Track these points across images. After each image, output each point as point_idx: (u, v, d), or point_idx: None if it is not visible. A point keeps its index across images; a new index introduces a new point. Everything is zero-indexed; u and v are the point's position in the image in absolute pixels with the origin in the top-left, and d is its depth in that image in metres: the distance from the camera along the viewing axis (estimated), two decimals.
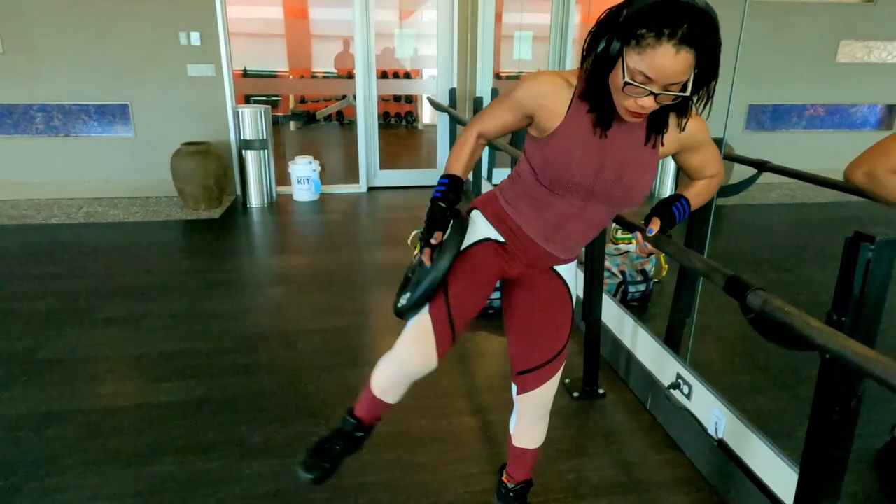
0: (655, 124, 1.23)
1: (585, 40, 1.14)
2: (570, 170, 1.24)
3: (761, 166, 2.16)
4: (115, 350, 2.65)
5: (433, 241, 1.34)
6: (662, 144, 1.27)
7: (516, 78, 7.00)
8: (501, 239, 1.41)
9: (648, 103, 1.10)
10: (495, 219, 1.42)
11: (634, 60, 1.06)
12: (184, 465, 1.93)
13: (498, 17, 5.59)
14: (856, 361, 0.84)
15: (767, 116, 6.08)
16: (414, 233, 3.43)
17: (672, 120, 1.24)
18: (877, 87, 6.28)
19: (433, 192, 1.38)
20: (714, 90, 1.12)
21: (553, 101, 1.23)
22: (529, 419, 1.57)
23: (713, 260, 1.32)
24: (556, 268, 1.47)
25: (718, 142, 2.04)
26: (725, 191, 2.66)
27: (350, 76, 9.03)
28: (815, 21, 5.73)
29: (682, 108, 1.19)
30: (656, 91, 1.07)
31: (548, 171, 1.27)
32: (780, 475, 1.60)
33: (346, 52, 9.31)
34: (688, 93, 1.09)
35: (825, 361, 1.10)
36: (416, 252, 1.48)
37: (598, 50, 1.11)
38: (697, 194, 1.41)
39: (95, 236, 4.21)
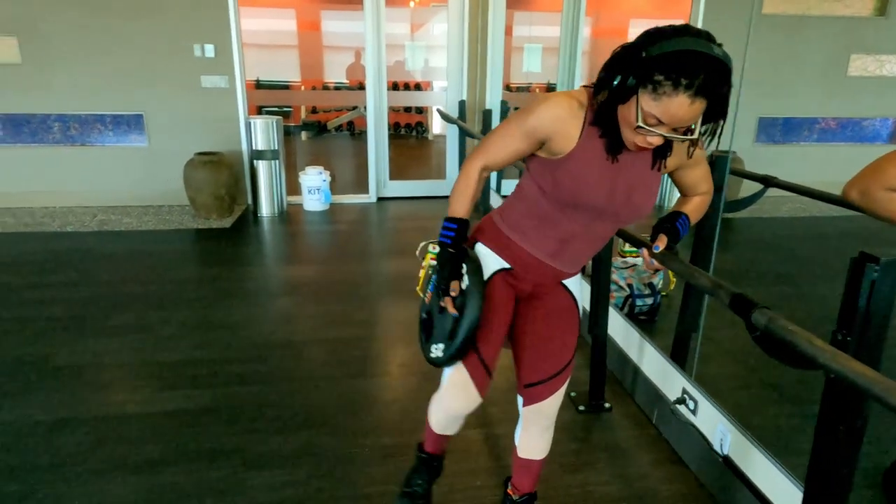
0: (660, 150, 1.26)
1: (601, 71, 1.16)
2: (584, 193, 1.27)
3: (767, 182, 2.17)
4: (126, 358, 2.68)
5: (452, 293, 1.36)
6: (666, 168, 1.30)
7: (526, 90, 7.04)
8: (508, 266, 1.44)
9: (656, 141, 1.14)
10: (498, 247, 1.45)
11: (648, 104, 1.08)
12: (190, 474, 1.95)
13: (508, 30, 5.63)
14: (856, 381, 0.84)
15: (778, 129, 6.07)
16: (422, 244, 3.44)
17: (678, 146, 1.27)
18: (888, 100, 6.25)
19: (440, 237, 1.39)
20: (723, 128, 1.14)
21: (568, 125, 1.24)
22: (535, 430, 1.58)
23: (720, 274, 1.34)
24: (564, 281, 1.49)
25: (724, 155, 2.05)
26: (733, 205, 2.66)
27: (361, 87, 9.12)
28: (826, 35, 5.73)
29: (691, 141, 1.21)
30: (666, 134, 1.11)
31: (560, 194, 1.29)
32: (784, 493, 1.59)
33: (358, 64, 9.41)
34: (695, 136, 1.12)
35: (830, 380, 1.10)
36: (424, 291, 1.52)
37: (613, 85, 1.13)
38: (694, 210, 1.45)
39: (108, 244, 4.27)
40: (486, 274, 1.43)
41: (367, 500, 1.85)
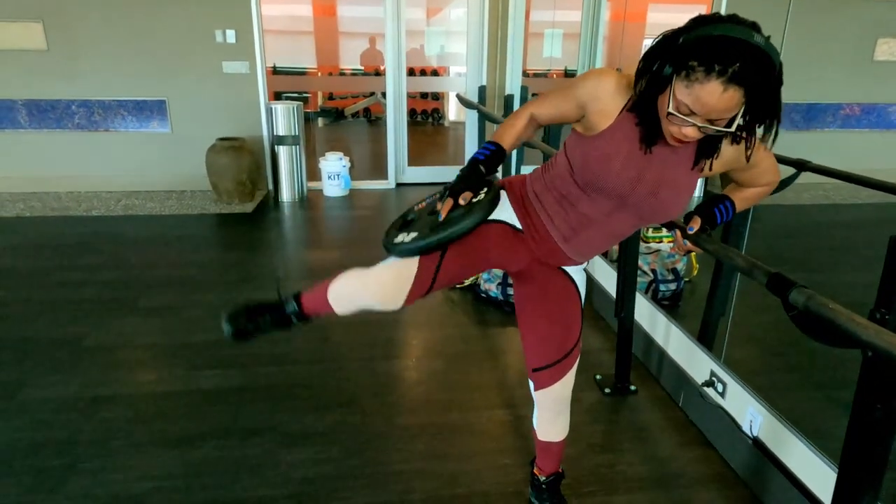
0: (706, 150, 1.21)
1: (641, 60, 1.14)
2: (608, 175, 1.24)
3: (801, 166, 2.15)
4: (158, 338, 2.74)
5: (461, 200, 1.32)
6: (711, 170, 1.25)
7: (544, 76, 6.99)
8: (519, 226, 1.40)
9: (691, 133, 1.10)
10: (519, 204, 1.41)
11: (681, 92, 1.05)
12: (227, 450, 2.00)
13: (526, 15, 5.59)
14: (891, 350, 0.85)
15: (801, 115, 5.99)
16: None
17: (732, 149, 1.22)
18: None
19: (475, 153, 1.37)
20: (776, 126, 1.10)
21: (609, 100, 1.22)
22: (549, 414, 1.60)
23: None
24: (565, 267, 1.48)
25: None
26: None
27: (378, 73, 9.08)
28: (852, 18, 5.62)
29: (736, 138, 1.14)
30: (699, 124, 1.07)
31: (585, 172, 1.27)
32: (817, 473, 1.61)
33: (373, 50, 9.38)
34: (732, 128, 1.07)
35: (867, 359, 1.11)
36: (424, 199, 1.47)
37: (652, 71, 1.11)
38: (745, 199, 1.39)
39: (134, 228, 4.33)
40: (493, 217, 1.37)
41: (398, 476, 1.89)
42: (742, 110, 1.06)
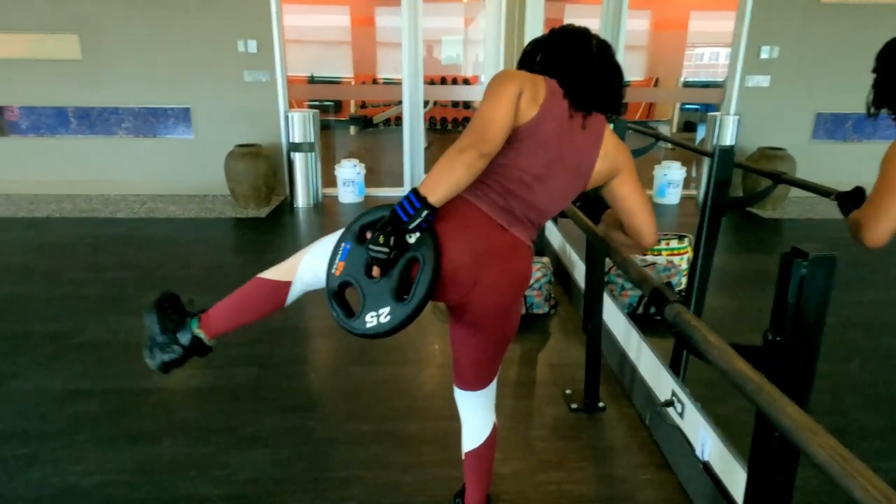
0: None
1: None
2: None
3: (777, 178, 2.04)
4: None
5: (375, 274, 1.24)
6: None
7: None
8: None
9: None
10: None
11: None
12: (181, 448, 2.04)
13: (548, 23, 5.54)
14: (731, 375, 0.78)
15: (837, 126, 5.69)
16: None
17: None
18: None
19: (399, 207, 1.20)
20: None
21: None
22: None
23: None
24: None
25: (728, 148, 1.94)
26: (742, 201, 2.52)
27: (432, 82, 9.06)
28: (890, 23, 5.31)
29: None
30: None
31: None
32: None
33: (428, 58, 9.45)
34: None
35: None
36: (332, 263, 1.33)
37: None
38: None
39: (152, 231, 4.51)
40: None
41: (339, 483, 1.88)
42: None
